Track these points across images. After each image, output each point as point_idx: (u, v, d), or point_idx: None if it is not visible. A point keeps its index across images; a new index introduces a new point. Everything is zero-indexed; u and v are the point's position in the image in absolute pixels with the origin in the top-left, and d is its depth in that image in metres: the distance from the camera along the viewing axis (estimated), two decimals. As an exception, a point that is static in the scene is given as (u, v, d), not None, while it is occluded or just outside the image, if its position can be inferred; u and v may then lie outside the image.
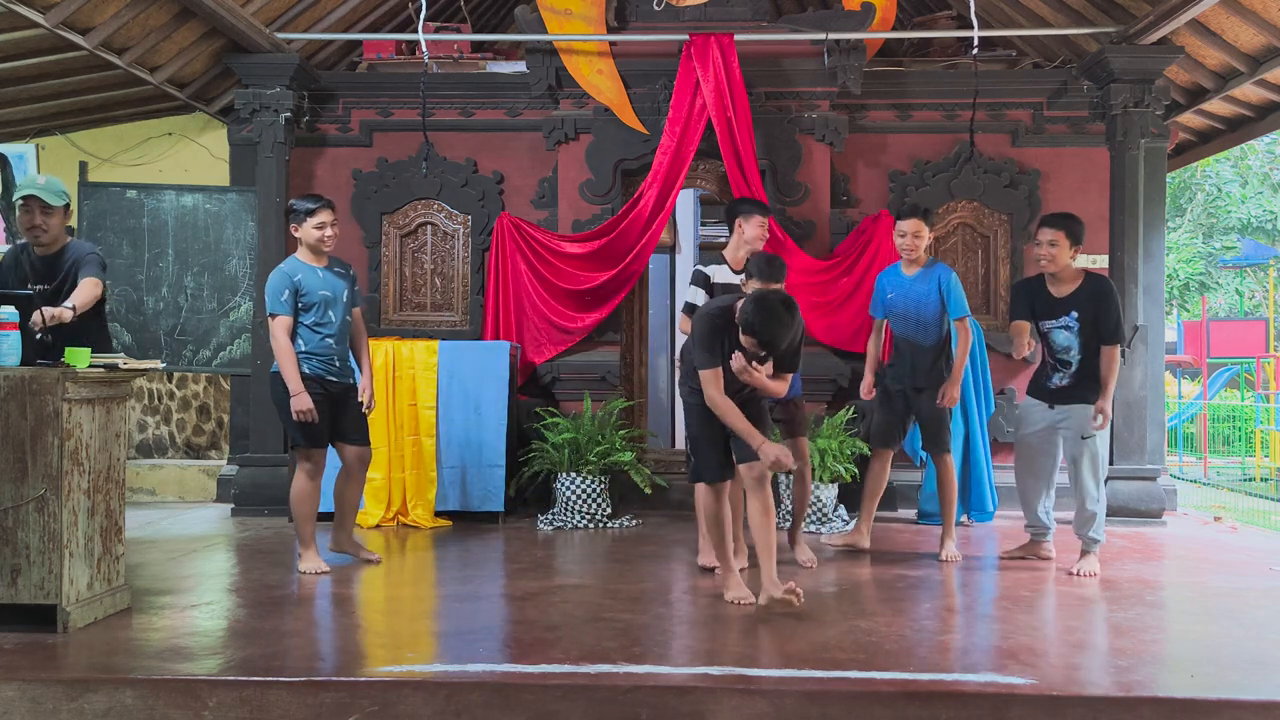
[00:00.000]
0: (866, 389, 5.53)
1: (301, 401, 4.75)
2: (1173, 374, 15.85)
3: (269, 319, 4.87)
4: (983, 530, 6.30)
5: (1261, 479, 11.59)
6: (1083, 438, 4.93)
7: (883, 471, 5.51)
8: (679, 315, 5.86)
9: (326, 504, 6.27)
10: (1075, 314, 4.93)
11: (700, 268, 5.41)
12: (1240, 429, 12.83)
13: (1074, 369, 4.97)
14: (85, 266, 4.33)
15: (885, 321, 5.58)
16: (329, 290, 4.91)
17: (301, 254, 4.97)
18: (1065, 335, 4.97)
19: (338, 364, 4.95)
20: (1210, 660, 3.55)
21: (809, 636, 3.76)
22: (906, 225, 5.31)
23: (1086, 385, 4.94)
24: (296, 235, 4.98)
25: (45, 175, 4.50)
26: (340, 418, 4.99)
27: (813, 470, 5.93)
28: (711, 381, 4.18)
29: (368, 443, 5.16)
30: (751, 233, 5.30)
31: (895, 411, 5.44)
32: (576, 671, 3.29)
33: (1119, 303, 5.01)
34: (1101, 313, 4.90)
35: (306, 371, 4.84)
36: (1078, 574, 4.87)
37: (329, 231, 4.92)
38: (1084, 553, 4.98)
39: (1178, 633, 4.06)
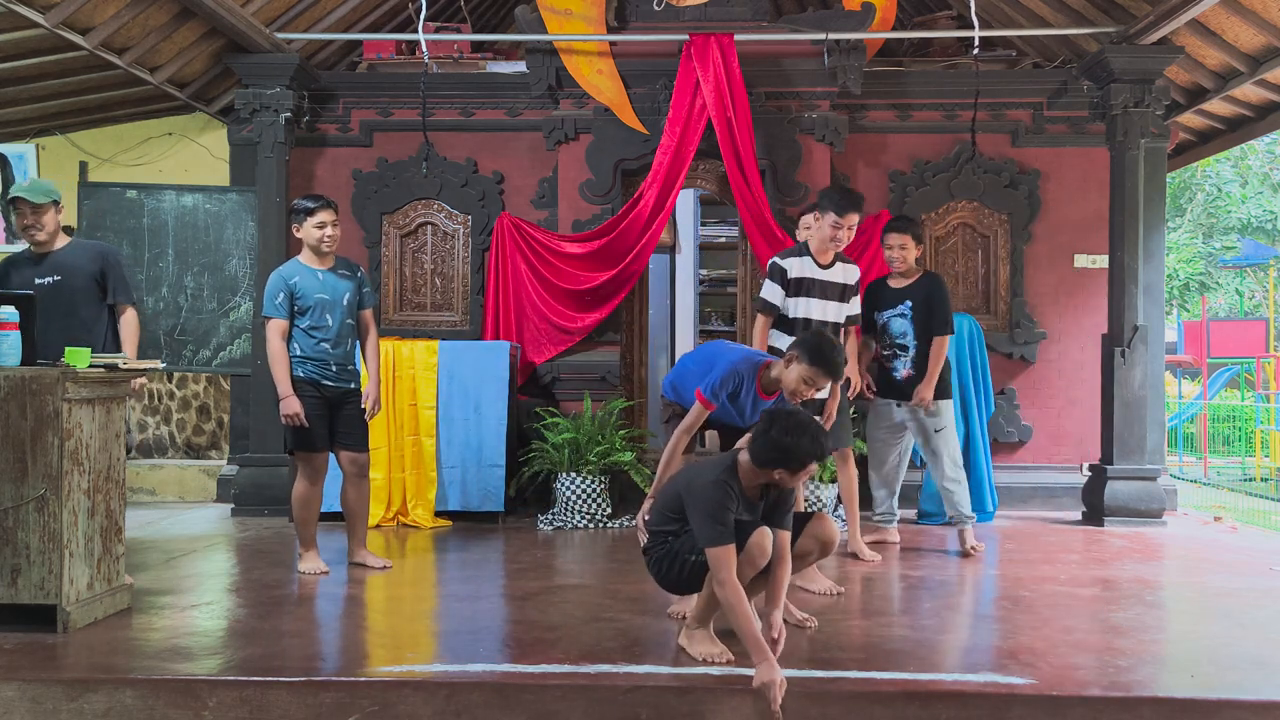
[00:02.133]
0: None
1: (288, 405, 4.73)
2: (1173, 374, 15.84)
3: (264, 321, 4.86)
4: (983, 530, 6.30)
5: (1261, 479, 11.58)
6: (936, 431, 5.46)
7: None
8: (757, 317, 5.04)
9: (328, 505, 6.32)
10: (909, 303, 5.44)
11: (778, 260, 5.00)
12: (1240, 429, 12.82)
13: (912, 353, 5.44)
14: (120, 289, 4.59)
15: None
16: (327, 293, 4.85)
17: (303, 255, 4.93)
18: (901, 323, 5.47)
19: (334, 368, 4.88)
20: (1210, 660, 3.55)
21: (809, 636, 3.76)
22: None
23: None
24: (298, 235, 4.93)
25: (32, 177, 4.59)
26: (336, 422, 4.93)
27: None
28: (724, 564, 3.30)
29: (364, 448, 5.04)
30: (842, 234, 4.94)
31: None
32: (576, 671, 3.29)
33: (949, 299, 5.52)
34: (935, 304, 5.41)
35: (301, 375, 4.81)
36: (970, 549, 5.40)
37: (329, 231, 4.87)
38: (961, 531, 5.48)
39: (1178, 633, 4.07)
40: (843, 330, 5.10)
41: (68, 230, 4.80)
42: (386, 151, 7.24)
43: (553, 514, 6.44)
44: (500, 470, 6.41)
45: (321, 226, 4.85)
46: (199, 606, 4.21)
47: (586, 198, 7.02)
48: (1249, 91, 7.10)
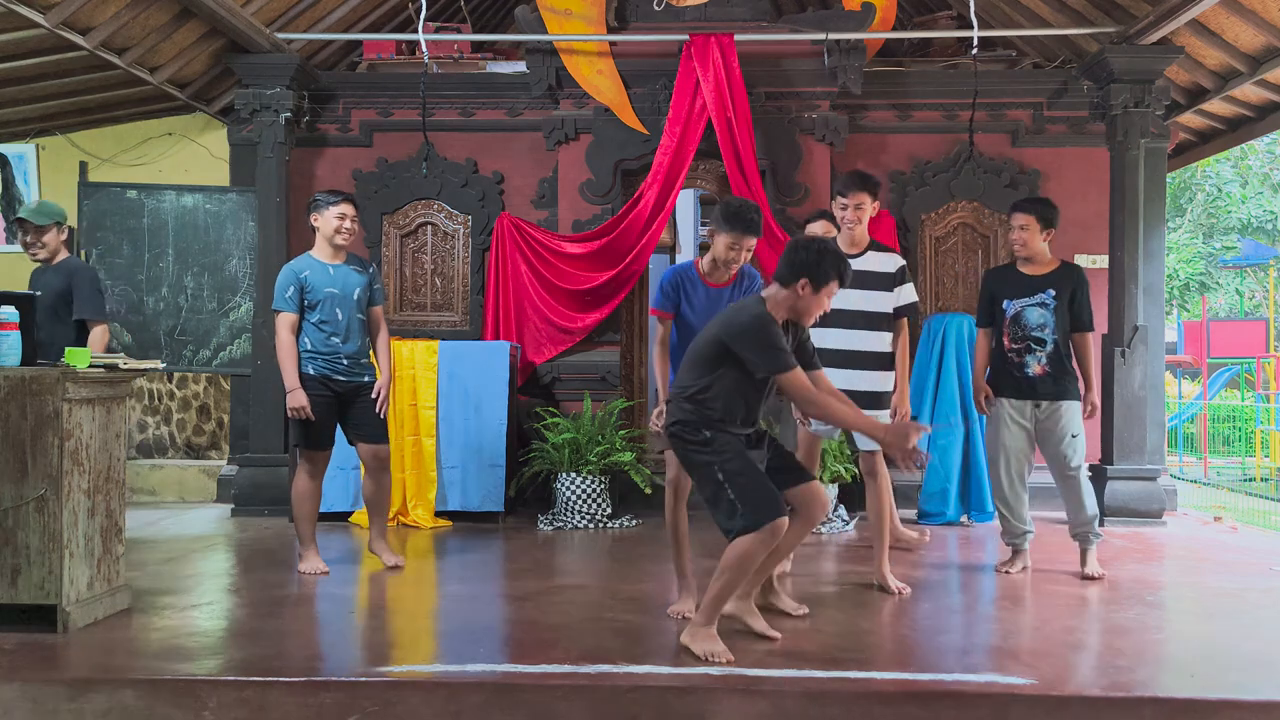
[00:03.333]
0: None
1: (295, 399, 4.74)
2: (1173, 374, 15.85)
3: (274, 315, 4.87)
4: (983, 530, 6.30)
5: (1261, 479, 11.58)
6: (1073, 435, 4.85)
7: None
8: (895, 325, 4.66)
9: (328, 505, 6.32)
10: (1052, 291, 4.85)
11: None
12: (1240, 429, 12.83)
13: (1049, 348, 4.83)
14: (85, 305, 4.75)
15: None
16: (336, 288, 4.85)
17: (317, 249, 4.92)
18: (1040, 313, 4.85)
19: (345, 362, 4.88)
20: (1210, 660, 3.55)
21: (809, 636, 3.76)
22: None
23: (1065, 376, 4.87)
24: (315, 225, 4.90)
25: (38, 199, 4.77)
26: (351, 416, 4.93)
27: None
28: (800, 384, 3.46)
29: (384, 440, 5.04)
30: (848, 215, 4.66)
31: None
32: (576, 671, 3.29)
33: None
34: (1080, 297, 4.88)
35: (311, 372, 4.82)
36: (1092, 576, 4.80)
37: (348, 224, 4.87)
38: (1084, 552, 4.92)
39: (1178, 633, 4.06)
40: (893, 323, 4.65)
41: (70, 236, 4.89)
42: (386, 151, 7.24)
43: (553, 514, 6.44)
44: (500, 470, 6.41)
45: (342, 217, 4.86)
46: (199, 606, 4.21)
47: (586, 198, 7.02)
48: (1249, 91, 7.10)
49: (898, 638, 3.76)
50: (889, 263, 4.66)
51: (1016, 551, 5.06)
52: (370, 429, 4.96)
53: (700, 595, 3.76)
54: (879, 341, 4.59)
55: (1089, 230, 7.09)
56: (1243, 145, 11.80)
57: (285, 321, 4.79)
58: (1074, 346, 4.93)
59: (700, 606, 3.58)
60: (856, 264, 4.37)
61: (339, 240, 4.87)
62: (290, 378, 4.76)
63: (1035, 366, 4.88)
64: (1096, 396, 4.97)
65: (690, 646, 3.49)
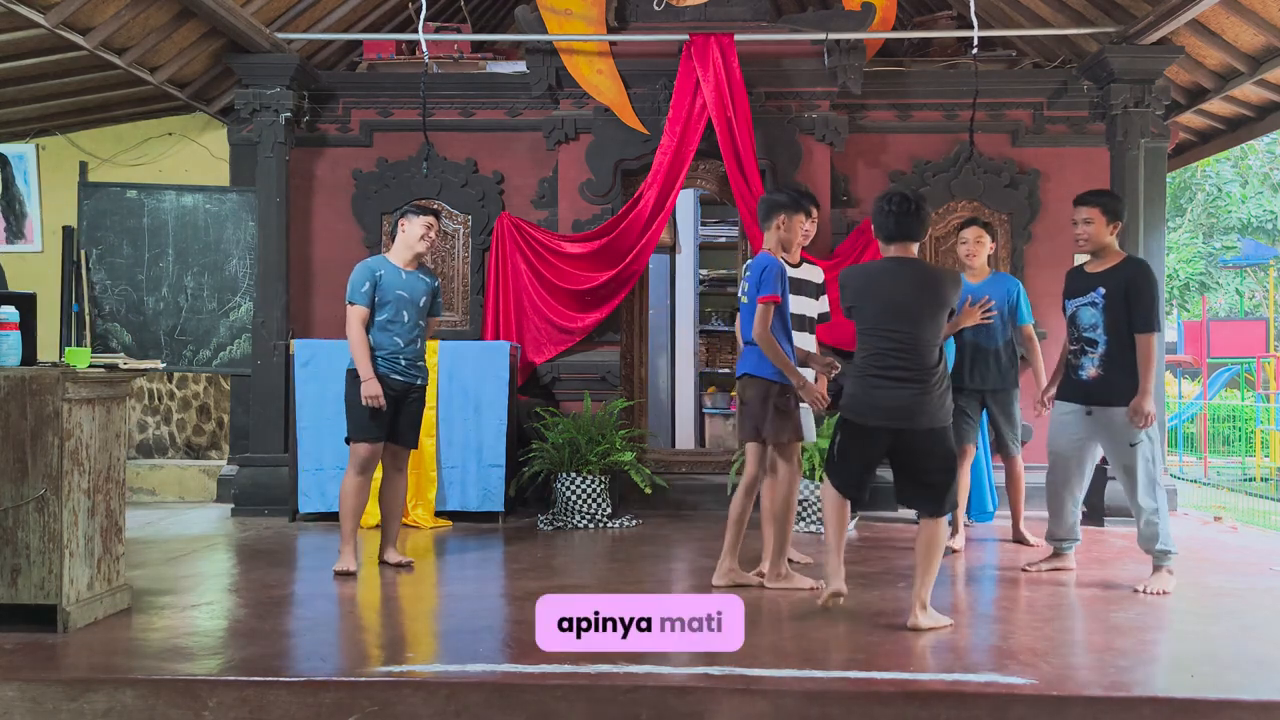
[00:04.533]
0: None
1: (371, 388, 4.87)
2: (1173, 374, 15.85)
3: (347, 307, 4.97)
4: (982, 530, 6.30)
5: (1261, 479, 11.58)
6: (1130, 444, 4.57)
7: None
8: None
9: (327, 505, 6.33)
10: (1102, 290, 4.63)
11: None
12: (1240, 429, 12.82)
13: (1101, 350, 4.62)
14: None
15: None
16: (407, 291, 5.03)
17: (393, 253, 5.11)
18: (1091, 313, 4.67)
19: (403, 363, 5.03)
20: (1210, 660, 3.55)
21: (809, 636, 3.76)
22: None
23: (1122, 380, 4.56)
24: (402, 229, 5.09)
25: None
26: (398, 417, 5.06)
27: (813, 471, 5.93)
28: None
29: (415, 445, 5.24)
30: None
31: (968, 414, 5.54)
32: (576, 671, 3.28)
33: (1158, 290, 4.65)
34: (1134, 293, 4.55)
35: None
36: (1146, 591, 4.55)
37: (433, 234, 5.10)
38: (1156, 568, 4.66)
39: (1178, 633, 4.06)
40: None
41: (69, 233, 4.89)
42: (386, 151, 7.24)
43: (553, 514, 6.44)
44: (500, 470, 6.41)
45: (429, 228, 5.08)
46: (199, 606, 4.21)
47: (586, 198, 7.02)
48: (1249, 91, 7.10)
49: (898, 638, 3.76)
50: (816, 274, 5.22)
51: (1056, 553, 5.01)
52: (411, 432, 5.15)
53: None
54: (808, 342, 5.05)
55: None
56: (1243, 145, 11.81)
57: (358, 315, 4.94)
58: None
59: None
60: (795, 273, 5.01)
61: (420, 247, 5.08)
62: (365, 368, 4.89)
63: (1090, 369, 4.67)
64: (1145, 402, 4.51)
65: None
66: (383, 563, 5.09)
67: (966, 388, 5.50)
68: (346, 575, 4.82)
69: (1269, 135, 13.00)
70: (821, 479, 6.23)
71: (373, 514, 5.76)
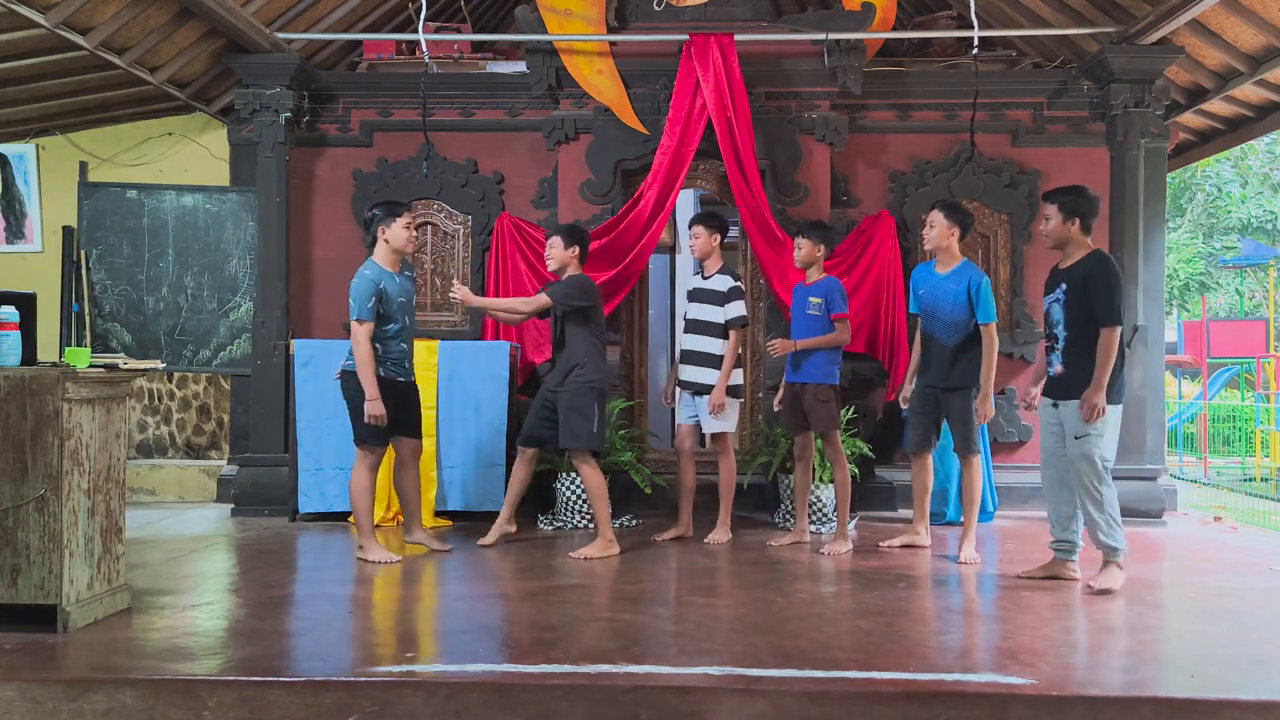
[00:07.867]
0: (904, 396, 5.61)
1: (375, 408, 4.95)
2: (1173, 374, 15.84)
3: (354, 324, 4.99)
4: (983, 531, 6.28)
5: (1261, 479, 11.59)
6: (1075, 437, 4.57)
7: (922, 473, 5.58)
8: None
9: (327, 505, 6.33)
10: (1064, 285, 4.66)
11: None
12: (1240, 429, 12.83)
13: (1062, 346, 4.64)
14: None
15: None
16: (404, 297, 5.13)
17: (381, 259, 5.11)
18: (1057, 309, 4.70)
19: (406, 364, 5.21)
20: (1210, 660, 3.55)
21: (809, 636, 3.76)
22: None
23: (1079, 375, 4.56)
24: (384, 238, 5.09)
25: None
26: (402, 413, 5.17)
27: (813, 470, 5.93)
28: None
29: (422, 435, 5.44)
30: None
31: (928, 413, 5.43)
32: (576, 671, 3.29)
33: (1117, 283, 4.59)
34: (1092, 287, 4.54)
35: (381, 374, 5.04)
36: (1093, 587, 4.51)
37: (414, 230, 5.14)
38: (1104, 563, 4.61)
39: (1178, 633, 4.07)
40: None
41: (69, 233, 4.92)
42: (386, 151, 7.24)
43: (553, 514, 6.43)
44: (500, 470, 6.40)
45: (409, 226, 5.10)
46: (199, 606, 4.21)
47: (586, 198, 7.02)
48: (1249, 91, 7.10)
49: (898, 638, 3.76)
50: (724, 283, 5.74)
51: (1055, 560, 4.82)
52: (416, 425, 5.35)
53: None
54: (715, 345, 5.74)
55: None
56: (1243, 145, 11.80)
57: (366, 331, 4.97)
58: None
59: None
60: (705, 284, 5.79)
61: (409, 247, 5.14)
62: (371, 387, 4.95)
63: (1057, 365, 4.71)
64: (1094, 395, 4.47)
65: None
66: (414, 542, 5.39)
67: (924, 384, 5.44)
68: (388, 564, 5.03)
69: (1269, 135, 13.00)
70: (821, 478, 6.28)
71: (386, 505, 6.02)
